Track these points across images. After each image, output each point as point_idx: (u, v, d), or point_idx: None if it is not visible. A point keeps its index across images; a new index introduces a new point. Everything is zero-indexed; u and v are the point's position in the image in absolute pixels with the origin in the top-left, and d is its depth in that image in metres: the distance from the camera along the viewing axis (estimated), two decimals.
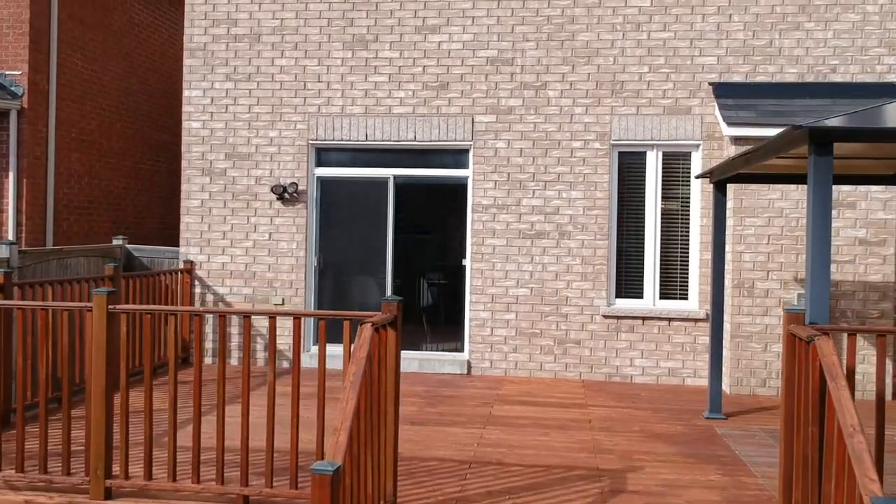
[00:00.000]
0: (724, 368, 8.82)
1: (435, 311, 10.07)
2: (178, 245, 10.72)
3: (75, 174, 12.75)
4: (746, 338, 8.87)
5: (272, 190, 9.88)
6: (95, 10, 13.17)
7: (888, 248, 8.74)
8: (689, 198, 9.60)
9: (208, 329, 10.12)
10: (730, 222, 8.93)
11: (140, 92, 14.61)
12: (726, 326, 8.97)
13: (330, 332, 9.71)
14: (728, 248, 8.92)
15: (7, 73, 11.56)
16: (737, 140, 8.86)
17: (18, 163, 11.56)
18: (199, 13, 10.14)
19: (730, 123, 8.79)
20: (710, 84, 9.42)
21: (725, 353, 8.99)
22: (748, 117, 8.83)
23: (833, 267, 8.69)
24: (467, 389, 8.89)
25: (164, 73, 15.34)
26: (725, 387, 9.00)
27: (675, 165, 9.64)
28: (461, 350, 9.94)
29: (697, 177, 8.12)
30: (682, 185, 9.62)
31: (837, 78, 9.30)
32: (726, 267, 8.87)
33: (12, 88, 11.51)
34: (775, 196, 8.85)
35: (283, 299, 9.98)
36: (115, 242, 11.25)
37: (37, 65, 11.73)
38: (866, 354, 8.66)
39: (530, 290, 9.67)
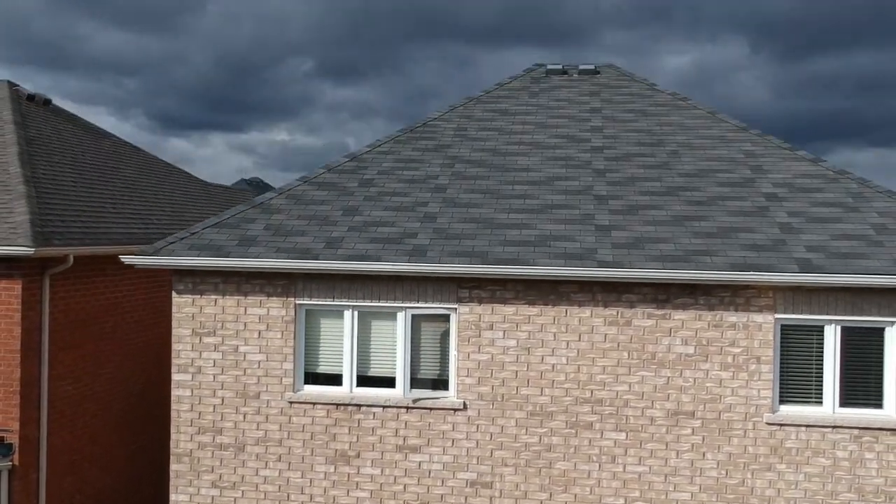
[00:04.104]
0: None
1: None
2: None
3: (67, 495, 12.94)
4: None
5: None
6: (88, 323, 13.31)
7: None
8: None
9: None
10: None
11: (134, 376, 14.77)
12: None
13: None
14: None
15: None
16: None
17: None
18: (185, 419, 10.35)
19: None
20: None
21: None
22: None
23: None
24: None
25: (160, 351, 15.39)
26: None
27: None
28: None
29: None
30: None
31: None
32: None
33: (2, 447, 11.71)
34: None
35: None
36: None
37: (28, 418, 11.92)
38: None
39: None
